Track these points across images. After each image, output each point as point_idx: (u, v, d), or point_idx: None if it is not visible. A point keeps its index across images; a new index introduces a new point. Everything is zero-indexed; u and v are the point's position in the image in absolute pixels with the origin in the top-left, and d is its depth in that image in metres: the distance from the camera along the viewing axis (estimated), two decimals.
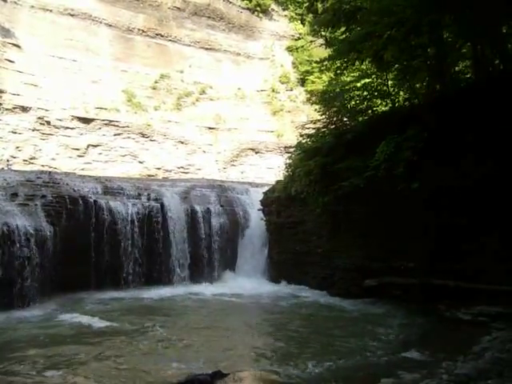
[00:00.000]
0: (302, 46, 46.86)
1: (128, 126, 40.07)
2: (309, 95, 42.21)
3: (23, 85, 35.90)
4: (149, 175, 39.37)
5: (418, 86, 18.99)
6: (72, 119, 37.62)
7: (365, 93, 19.34)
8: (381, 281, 16.88)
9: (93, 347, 12.06)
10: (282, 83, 48.71)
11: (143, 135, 40.82)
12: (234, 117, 45.23)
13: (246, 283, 22.07)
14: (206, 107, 44.51)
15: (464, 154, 14.39)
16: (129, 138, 40.23)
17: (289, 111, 47.30)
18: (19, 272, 16.61)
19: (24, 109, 35.58)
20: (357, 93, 19.53)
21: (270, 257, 23.52)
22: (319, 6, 26.78)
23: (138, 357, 11.34)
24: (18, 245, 16.68)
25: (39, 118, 36.25)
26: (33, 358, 10.95)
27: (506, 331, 11.37)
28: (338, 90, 20.25)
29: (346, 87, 19.91)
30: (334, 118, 20.24)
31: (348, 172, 16.75)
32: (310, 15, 45.66)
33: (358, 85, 19.58)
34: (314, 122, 21.65)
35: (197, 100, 44.49)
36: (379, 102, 19.71)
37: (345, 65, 19.58)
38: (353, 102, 19.63)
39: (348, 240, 18.46)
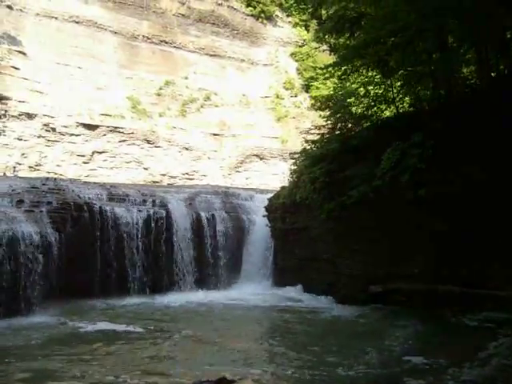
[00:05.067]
0: (308, 54, 46.94)
1: (133, 133, 40.17)
2: (313, 101, 42.29)
3: (29, 92, 36.05)
4: (154, 182, 39.45)
5: (422, 91, 18.99)
6: (77, 126, 37.73)
7: (369, 99, 19.36)
8: (386, 287, 16.85)
9: (99, 352, 12.13)
10: (287, 89, 48.75)
11: (148, 142, 40.90)
12: (238, 123, 45.28)
13: (251, 289, 22.07)
14: (211, 114, 44.59)
15: (469, 160, 14.38)
16: (134, 144, 40.32)
17: (293, 117, 47.32)
18: (24, 279, 16.63)
19: (29, 116, 35.72)
20: (362, 99, 19.55)
21: (274, 263, 23.48)
22: (323, 12, 26.86)
23: (144, 361, 11.37)
24: (23, 251, 16.72)
25: (44, 124, 36.37)
26: (40, 362, 11.01)
27: None
28: (342, 96, 20.30)
29: (351, 93, 19.96)
30: (339, 124, 20.25)
31: (354, 180, 16.74)
32: (314, 21, 45.96)
33: (363, 91, 19.60)
34: (319, 128, 21.66)
35: (201, 106, 44.57)
36: (384, 107, 19.71)
37: (349, 71, 19.60)
38: (358, 108, 19.64)
39: (353, 246, 18.41)
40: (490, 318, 13.17)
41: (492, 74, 17.07)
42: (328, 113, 21.56)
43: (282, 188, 23.84)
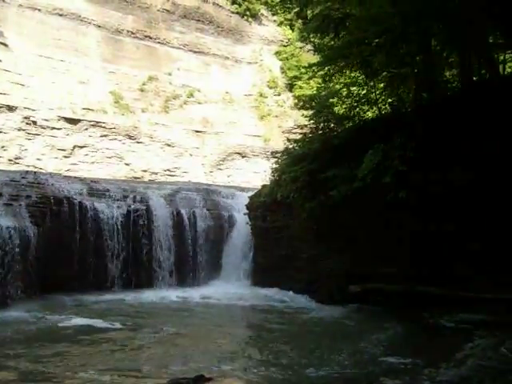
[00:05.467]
0: (292, 54, 47.00)
1: (115, 128, 39.88)
2: (296, 100, 42.35)
3: (10, 84, 35.62)
4: (135, 177, 39.21)
5: (405, 93, 19.09)
6: (59, 119, 37.38)
7: (352, 100, 19.43)
8: (365, 287, 16.88)
9: (74, 348, 12.03)
10: (270, 88, 48.74)
11: (130, 137, 40.65)
12: (221, 121, 45.19)
13: (231, 287, 22.02)
14: (194, 110, 44.43)
15: (450, 163, 14.48)
16: (115, 139, 40.04)
17: (276, 116, 47.36)
18: (2, 272, 16.47)
19: (10, 108, 35.29)
20: (344, 99, 19.62)
21: (255, 261, 23.46)
22: (308, 12, 26.93)
23: (119, 358, 11.31)
24: (1, 245, 16.54)
25: (25, 117, 35.96)
26: (12, 360, 10.84)
27: (488, 339, 11.45)
28: (325, 96, 20.37)
29: (334, 93, 20.03)
30: (321, 124, 20.29)
31: (335, 180, 16.76)
32: (300, 21, 46.05)
33: (346, 91, 19.67)
34: (301, 128, 21.70)
35: (184, 103, 44.40)
36: (366, 108, 19.79)
37: (333, 71, 19.65)
38: (340, 109, 19.70)
39: (333, 245, 18.43)
40: (466, 320, 13.27)
41: (474, 78, 17.20)
42: (311, 112, 21.59)
43: (263, 186, 23.80)
